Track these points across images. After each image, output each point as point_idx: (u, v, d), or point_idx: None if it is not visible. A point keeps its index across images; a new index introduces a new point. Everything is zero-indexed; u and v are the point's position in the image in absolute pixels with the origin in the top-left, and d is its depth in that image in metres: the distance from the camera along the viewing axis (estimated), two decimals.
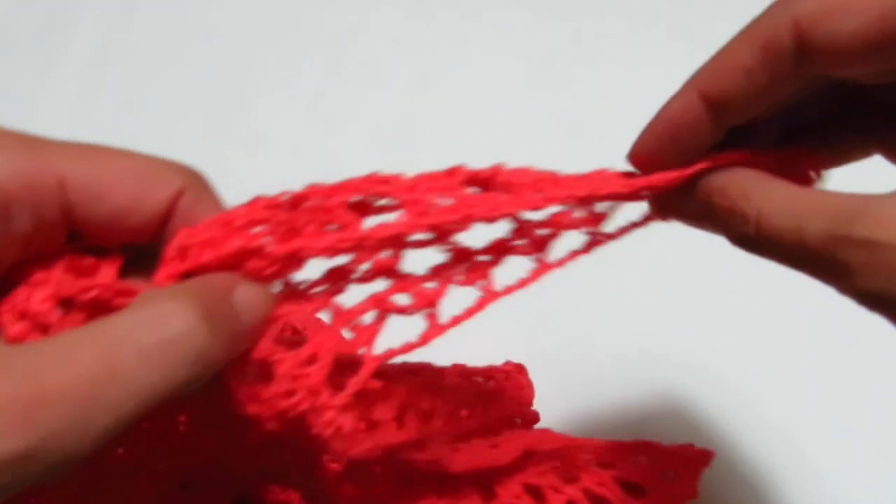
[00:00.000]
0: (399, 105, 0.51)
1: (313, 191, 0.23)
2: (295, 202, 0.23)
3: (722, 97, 0.23)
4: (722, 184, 0.24)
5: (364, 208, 0.23)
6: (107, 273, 0.21)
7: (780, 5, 0.22)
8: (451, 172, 0.25)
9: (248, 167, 0.48)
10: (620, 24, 0.53)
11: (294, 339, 0.23)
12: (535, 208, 0.25)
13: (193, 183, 0.22)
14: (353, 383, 0.22)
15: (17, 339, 0.19)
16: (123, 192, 0.20)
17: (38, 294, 0.19)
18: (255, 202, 0.23)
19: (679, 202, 0.26)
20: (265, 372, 0.21)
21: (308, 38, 0.54)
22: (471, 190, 0.25)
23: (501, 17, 0.54)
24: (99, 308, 0.20)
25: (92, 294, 0.19)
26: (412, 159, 0.48)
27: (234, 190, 0.47)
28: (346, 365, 0.23)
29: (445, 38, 0.53)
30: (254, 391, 0.21)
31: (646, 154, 0.26)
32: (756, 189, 0.23)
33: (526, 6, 0.55)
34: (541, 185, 0.26)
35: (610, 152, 0.48)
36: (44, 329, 0.19)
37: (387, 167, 0.49)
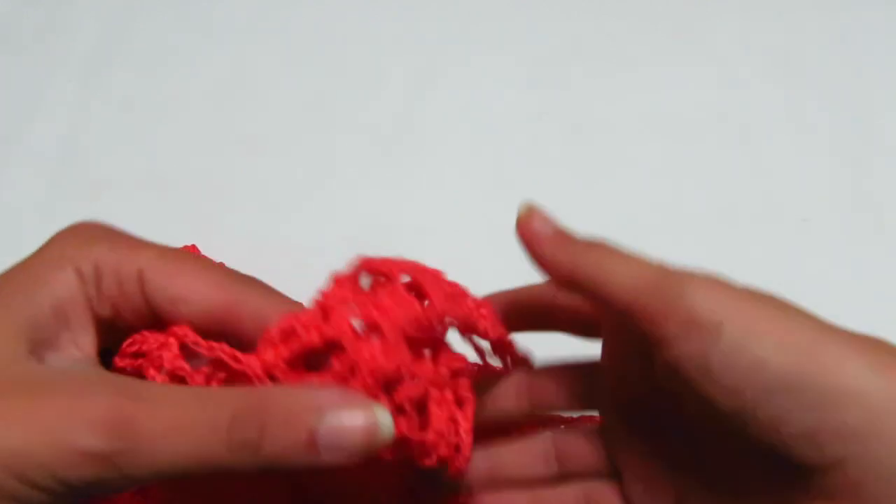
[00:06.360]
0: (399, 105, 0.51)
1: (370, 266, 0.27)
2: (369, 277, 0.27)
3: None
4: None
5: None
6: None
7: None
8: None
9: (247, 167, 0.48)
10: (621, 24, 0.53)
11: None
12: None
13: (249, 288, 0.26)
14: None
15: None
16: (184, 289, 0.25)
17: (168, 354, 0.25)
18: (338, 284, 0.26)
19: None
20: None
21: (308, 37, 0.54)
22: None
23: (502, 17, 0.54)
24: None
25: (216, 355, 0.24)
26: (412, 159, 0.48)
27: (234, 189, 0.47)
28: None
29: (445, 37, 0.53)
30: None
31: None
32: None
33: (526, 6, 0.55)
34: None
35: (609, 153, 0.48)
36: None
37: (386, 167, 0.49)
